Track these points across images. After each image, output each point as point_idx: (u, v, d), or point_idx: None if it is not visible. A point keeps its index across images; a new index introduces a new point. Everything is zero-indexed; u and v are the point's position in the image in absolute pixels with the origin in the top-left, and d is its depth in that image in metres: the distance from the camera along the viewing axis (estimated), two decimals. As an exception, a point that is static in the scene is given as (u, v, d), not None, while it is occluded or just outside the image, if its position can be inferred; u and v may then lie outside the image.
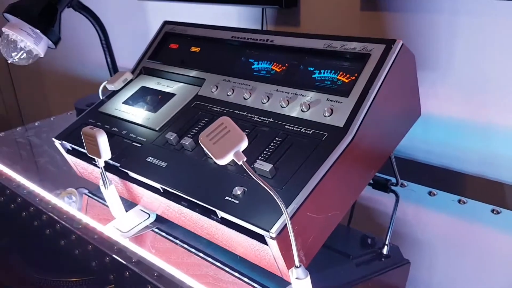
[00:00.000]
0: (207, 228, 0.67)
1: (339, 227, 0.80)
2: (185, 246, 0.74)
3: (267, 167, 0.62)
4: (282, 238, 0.56)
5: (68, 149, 0.87)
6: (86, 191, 0.91)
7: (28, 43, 1.10)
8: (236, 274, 0.67)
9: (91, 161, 0.82)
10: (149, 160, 0.73)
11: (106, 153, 0.65)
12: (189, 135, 0.73)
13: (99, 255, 0.74)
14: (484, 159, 0.86)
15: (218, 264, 0.69)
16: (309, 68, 0.75)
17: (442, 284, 0.67)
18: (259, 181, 0.50)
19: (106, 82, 0.87)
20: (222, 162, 0.51)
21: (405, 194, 0.86)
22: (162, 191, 0.71)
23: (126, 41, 1.45)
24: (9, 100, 2.25)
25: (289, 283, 0.63)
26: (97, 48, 1.63)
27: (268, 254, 0.59)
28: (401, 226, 0.80)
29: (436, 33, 0.86)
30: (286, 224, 0.56)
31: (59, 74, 1.94)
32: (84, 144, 0.68)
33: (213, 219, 0.64)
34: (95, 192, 0.91)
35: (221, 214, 0.62)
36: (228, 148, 0.50)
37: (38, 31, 1.10)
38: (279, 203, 0.50)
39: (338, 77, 0.71)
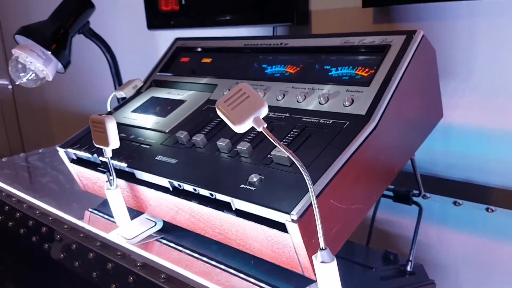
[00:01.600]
0: (219, 226, 0.62)
1: (357, 246, 0.74)
2: (194, 254, 0.68)
3: (284, 153, 0.57)
4: (303, 222, 0.51)
5: (72, 159, 0.84)
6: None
7: (37, 64, 1.09)
8: (251, 279, 0.61)
9: (96, 167, 0.78)
10: (158, 158, 0.69)
11: (114, 141, 0.61)
12: (201, 133, 0.70)
13: (101, 262, 0.68)
14: (510, 169, 0.82)
15: (231, 270, 0.63)
16: (325, 67, 0.72)
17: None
18: (282, 148, 0.46)
19: (115, 91, 0.85)
20: (241, 128, 0.47)
21: (429, 206, 0.81)
22: (171, 189, 0.66)
23: (135, 71, 1.45)
24: (14, 141, 2.24)
25: (310, 283, 0.57)
26: (103, 81, 1.63)
27: (287, 245, 0.54)
28: (424, 244, 0.74)
29: (454, 41, 0.84)
30: (307, 207, 0.51)
31: (65, 112, 1.94)
32: (92, 133, 0.64)
33: (227, 212, 0.59)
34: (98, 208, 0.86)
35: (236, 203, 0.57)
36: (248, 114, 0.47)
37: (49, 52, 1.09)
38: (302, 172, 0.46)
39: (357, 72, 0.68)
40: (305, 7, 1.00)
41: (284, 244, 0.54)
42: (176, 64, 0.94)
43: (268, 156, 0.60)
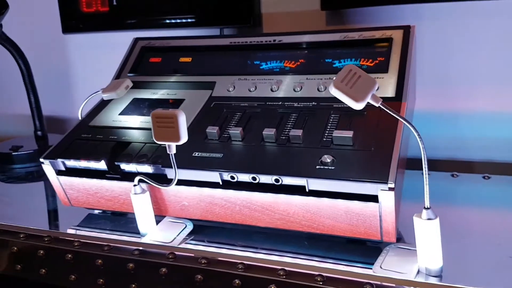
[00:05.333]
0: (283, 211, 0.64)
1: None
2: (248, 249, 0.66)
3: (348, 133, 0.63)
4: (396, 190, 0.57)
5: (59, 170, 0.75)
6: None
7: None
8: (315, 259, 0.63)
9: (102, 176, 0.72)
10: (196, 155, 0.67)
11: (185, 135, 0.59)
12: (236, 126, 0.70)
13: (147, 269, 0.64)
14: (452, 143, 0.99)
15: (289, 255, 0.64)
16: (326, 60, 0.79)
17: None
18: (403, 121, 0.52)
19: (102, 92, 0.79)
20: (360, 105, 0.51)
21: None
22: (221, 183, 0.65)
23: (49, 81, 1.31)
24: None
25: (385, 248, 0.63)
26: (7, 94, 1.43)
27: (371, 215, 0.59)
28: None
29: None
30: (396, 177, 0.57)
31: None
32: (154, 130, 0.60)
33: (301, 195, 0.61)
34: (82, 224, 0.78)
35: (312, 184, 0.60)
36: (366, 91, 0.51)
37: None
38: (418, 139, 0.52)
39: (361, 63, 0.77)
40: (258, 9, 1.05)
41: (368, 215, 0.59)
42: (145, 65, 0.91)
43: (324, 139, 0.65)
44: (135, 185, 0.67)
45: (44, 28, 1.31)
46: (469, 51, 0.95)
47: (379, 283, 0.55)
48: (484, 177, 0.89)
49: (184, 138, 0.58)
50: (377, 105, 0.53)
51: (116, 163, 0.70)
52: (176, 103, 0.80)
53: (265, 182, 0.63)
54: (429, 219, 0.54)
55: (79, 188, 0.75)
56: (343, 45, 0.79)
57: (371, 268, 0.59)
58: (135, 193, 0.67)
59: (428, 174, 0.92)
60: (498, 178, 0.89)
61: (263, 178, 0.63)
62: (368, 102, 0.53)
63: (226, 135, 0.70)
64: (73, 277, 0.69)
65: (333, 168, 0.60)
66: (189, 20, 1.05)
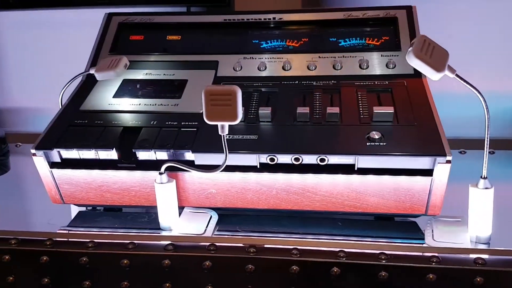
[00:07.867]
0: (325, 192, 0.61)
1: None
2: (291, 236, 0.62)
3: (389, 109, 0.62)
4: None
5: (53, 162, 0.65)
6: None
7: None
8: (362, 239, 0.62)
9: (111, 166, 0.64)
10: (228, 137, 0.62)
11: (240, 113, 0.53)
12: (265, 106, 0.66)
13: (181, 267, 0.58)
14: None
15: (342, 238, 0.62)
16: (331, 39, 0.78)
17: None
18: (475, 91, 0.51)
19: (92, 70, 0.69)
20: (439, 75, 0.51)
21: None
22: (258, 166, 0.61)
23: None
24: None
25: (428, 222, 0.64)
26: None
27: (421, 190, 0.59)
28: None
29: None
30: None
31: None
32: (204, 108, 0.53)
33: (348, 173, 0.59)
34: (72, 224, 0.68)
35: (361, 162, 0.59)
36: (443, 61, 0.50)
37: None
38: (478, 95, 0.52)
39: (367, 41, 0.77)
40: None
41: (417, 190, 0.59)
42: (126, 43, 0.82)
43: (362, 116, 0.63)
44: (161, 173, 0.60)
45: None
46: (435, 35, 1.00)
47: (444, 255, 0.55)
48: (460, 152, 0.94)
49: (240, 116, 0.53)
50: (452, 75, 0.52)
51: (133, 150, 0.62)
52: (180, 84, 0.73)
53: (308, 163, 0.60)
54: (486, 188, 0.56)
55: (78, 182, 0.66)
56: (346, 24, 0.78)
57: (419, 242, 0.59)
58: (161, 182, 0.60)
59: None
60: (470, 152, 0.95)
61: (306, 159, 0.60)
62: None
63: (252, 116, 0.65)
64: (87, 283, 0.60)
65: (384, 144, 0.59)
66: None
